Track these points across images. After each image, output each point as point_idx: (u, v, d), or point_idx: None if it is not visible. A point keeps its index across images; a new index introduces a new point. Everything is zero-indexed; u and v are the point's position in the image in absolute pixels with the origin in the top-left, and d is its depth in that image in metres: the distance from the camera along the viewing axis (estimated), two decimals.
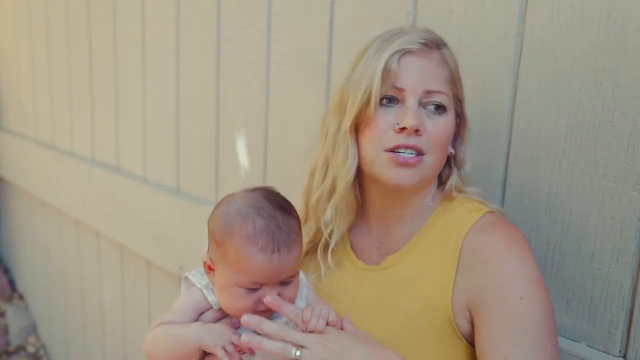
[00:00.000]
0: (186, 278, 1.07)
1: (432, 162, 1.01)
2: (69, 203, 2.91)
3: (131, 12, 2.29)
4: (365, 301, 1.07)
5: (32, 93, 3.26)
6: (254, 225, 0.94)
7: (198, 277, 1.05)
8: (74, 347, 3.16)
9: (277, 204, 0.98)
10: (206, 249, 1.04)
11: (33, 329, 3.63)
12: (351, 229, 1.15)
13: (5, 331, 3.58)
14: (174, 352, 0.98)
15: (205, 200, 2.02)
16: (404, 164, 0.98)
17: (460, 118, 1.08)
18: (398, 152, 0.98)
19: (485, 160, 1.22)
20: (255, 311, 0.96)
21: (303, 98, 1.62)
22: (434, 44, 1.03)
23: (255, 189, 1.02)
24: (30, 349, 3.51)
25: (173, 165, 2.17)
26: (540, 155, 1.13)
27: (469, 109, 1.22)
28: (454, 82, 1.04)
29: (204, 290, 1.02)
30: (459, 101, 1.06)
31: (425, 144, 0.99)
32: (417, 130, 0.97)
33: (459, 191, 1.08)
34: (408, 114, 0.97)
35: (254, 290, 0.95)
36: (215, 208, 1.03)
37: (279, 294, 0.96)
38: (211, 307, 1.02)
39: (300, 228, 1.01)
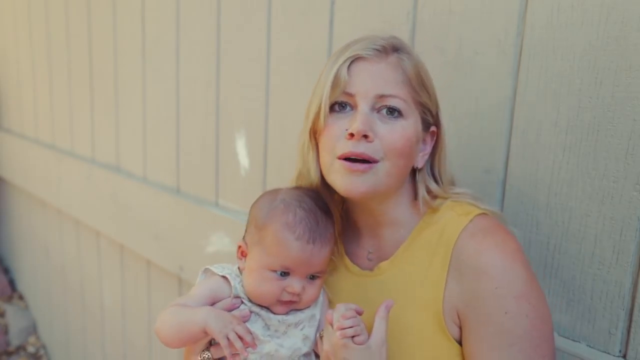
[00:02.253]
0: (206, 270, 1.10)
1: (386, 168, 0.98)
2: (69, 203, 2.91)
3: (131, 12, 2.29)
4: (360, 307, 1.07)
5: (32, 93, 3.27)
6: (295, 214, 1.00)
7: (219, 269, 1.08)
8: (74, 347, 3.16)
9: (319, 203, 1.04)
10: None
11: (33, 329, 3.63)
12: (343, 235, 1.15)
13: (5, 331, 3.58)
14: (180, 332, 1.00)
15: (205, 200, 2.03)
16: (355, 171, 0.97)
17: (436, 126, 1.06)
18: (349, 160, 0.97)
19: (485, 161, 1.22)
20: (279, 300, 1.01)
21: (303, 98, 1.61)
22: (391, 49, 1.01)
23: (300, 187, 1.08)
24: (30, 349, 3.51)
25: (173, 165, 2.17)
26: (540, 155, 1.13)
27: (469, 110, 1.23)
28: (413, 86, 1.00)
29: (228, 276, 1.05)
30: (425, 108, 1.03)
31: (377, 150, 0.97)
32: (366, 136, 0.96)
33: (445, 198, 1.05)
34: (357, 119, 0.96)
35: (282, 277, 1.00)
36: (259, 198, 1.09)
37: (303, 288, 1.01)
38: (226, 298, 1.04)
39: (334, 234, 1.05)
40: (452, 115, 1.25)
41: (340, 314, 0.94)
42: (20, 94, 3.43)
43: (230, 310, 1.02)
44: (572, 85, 1.07)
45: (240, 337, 0.95)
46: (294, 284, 1.00)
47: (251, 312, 1.03)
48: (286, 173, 1.70)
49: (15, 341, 3.55)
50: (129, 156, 2.44)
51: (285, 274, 1.01)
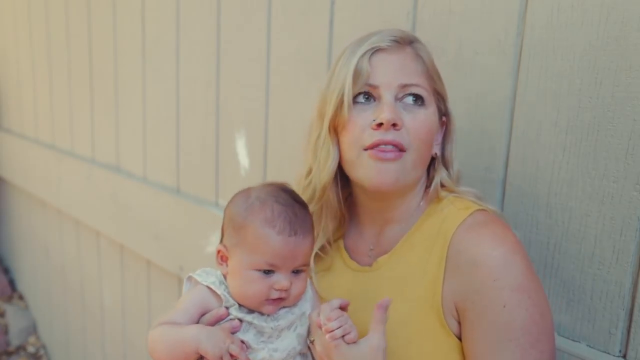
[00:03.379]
0: (189, 278, 1.07)
1: (412, 159, 0.99)
2: (69, 203, 2.91)
3: (131, 12, 2.29)
4: (357, 303, 1.06)
5: (32, 93, 3.27)
6: (272, 210, 0.99)
7: (203, 277, 1.05)
8: (74, 347, 3.16)
9: (293, 196, 1.03)
10: (219, 240, 1.07)
11: (33, 329, 3.63)
12: (345, 231, 1.15)
13: (5, 331, 3.58)
14: (173, 352, 0.99)
15: (205, 200, 2.03)
16: (384, 159, 0.96)
17: (445, 116, 1.07)
18: (378, 148, 0.97)
19: (485, 160, 1.22)
20: (267, 298, 0.99)
21: (303, 98, 1.62)
22: (406, 41, 1.03)
23: (271, 184, 1.06)
24: (30, 349, 3.51)
25: (173, 165, 2.17)
26: (540, 155, 1.13)
27: (469, 110, 1.23)
28: (431, 76, 1.03)
29: (212, 286, 1.02)
30: (440, 97, 1.05)
31: (405, 138, 0.97)
32: (394, 125, 0.96)
33: (451, 191, 1.06)
34: (384, 109, 0.96)
35: (267, 275, 0.98)
36: (232, 198, 1.06)
37: (291, 283, 0.99)
38: (213, 309, 1.02)
39: (312, 224, 1.04)
40: (452, 114, 1.25)
41: (325, 316, 0.94)
42: (20, 94, 3.43)
43: (219, 320, 1.01)
44: (572, 85, 1.07)
45: (233, 356, 0.94)
46: (281, 279, 0.98)
47: (242, 321, 1.01)
48: (286, 173, 1.70)
49: (15, 341, 3.54)
50: (129, 156, 2.44)
51: (269, 271, 0.99)
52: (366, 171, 0.99)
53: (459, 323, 0.97)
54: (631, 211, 1.01)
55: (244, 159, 1.85)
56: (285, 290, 0.99)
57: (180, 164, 2.14)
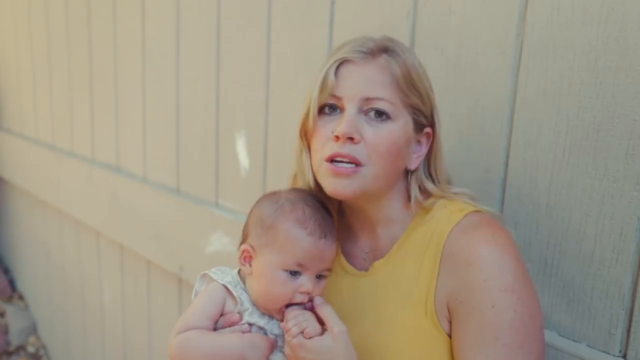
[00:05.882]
0: (204, 275, 1.08)
1: (373, 172, 0.98)
2: (69, 203, 2.91)
3: (131, 12, 2.29)
4: (354, 308, 1.07)
5: (32, 93, 3.27)
6: (304, 211, 1.01)
7: (219, 275, 1.06)
8: (74, 347, 3.16)
9: (320, 202, 1.05)
10: (240, 241, 1.07)
11: (33, 329, 3.63)
12: (340, 236, 1.15)
13: (5, 331, 3.58)
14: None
15: (205, 200, 2.03)
16: (340, 174, 0.97)
17: (431, 127, 1.04)
18: (335, 161, 0.98)
19: (485, 161, 1.22)
20: (291, 301, 1.00)
21: (303, 98, 1.61)
22: (380, 50, 1.00)
23: (297, 189, 1.09)
24: (30, 349, 3.51)
25: (173, 165, 2.17)
26: (540, 155, 1.13)
27: (469, 110, 1.23)
28: (401, 88, 0.99)
29: (229, 286, 1.03)
30: (416, 109, 1.02)
31: (362, 153, 0.97)
32: (352, 139, 0.96)
33: (441, 196, 1.04)
34: (342, 122, 0.97)
35: (294, 276, 0.99)
36: (260, 200, 1.09)
37: (314, 287, 1.00)
38: (229, 310, 1.03)
39: (335, 231, 1.05)
40: (452, 114, 1.25)
41: (284, 318, 0.98)
42: (20, 94, 3.43)
43: (231, 325, 1.02)
44: (572, 85, 1.07)
45: None
46: (306, 282, 0.99)
47: (252, 325, 1.02)
48: (286, 173, 1.69)
49: (15, 341, 3.54)
50: (129, 156, 2.44)
51: (296, 273, 1.00)
52: (325, 180, 1.01)
53: (450, 323, 0.97)
54: (631, 211, 1.02)
55: (244, 159, 1.85)
56: (308, 294, 1.00)
57: (180, 164, 2.14)
